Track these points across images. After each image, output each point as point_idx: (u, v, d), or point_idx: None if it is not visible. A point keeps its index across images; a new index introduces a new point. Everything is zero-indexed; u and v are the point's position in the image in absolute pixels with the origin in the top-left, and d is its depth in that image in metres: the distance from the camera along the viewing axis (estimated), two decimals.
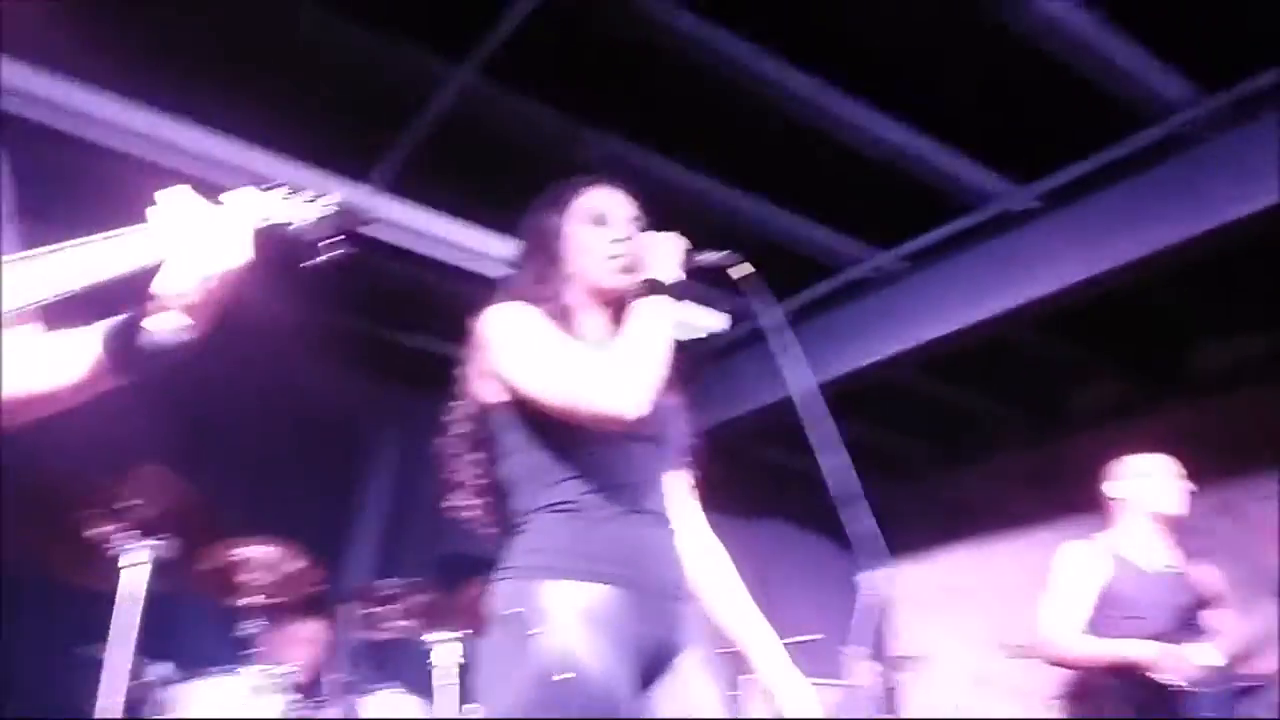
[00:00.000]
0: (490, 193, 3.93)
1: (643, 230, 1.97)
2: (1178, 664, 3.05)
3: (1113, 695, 3.15)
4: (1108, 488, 3.44)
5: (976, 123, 3.65)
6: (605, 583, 1.73)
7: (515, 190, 3.85)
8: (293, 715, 3.06)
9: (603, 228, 1.97)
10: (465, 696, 3.37)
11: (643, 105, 3.56)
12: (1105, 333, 4.69)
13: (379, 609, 3.35)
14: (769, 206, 4.09)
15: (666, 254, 1.89)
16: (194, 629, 3.42)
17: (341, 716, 3.07)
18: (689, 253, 1.91)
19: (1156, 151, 3.66)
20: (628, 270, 1.91)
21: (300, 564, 3.27)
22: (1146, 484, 3.36)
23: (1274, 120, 3.44)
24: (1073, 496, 3.68)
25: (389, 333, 4.85)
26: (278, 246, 1.71)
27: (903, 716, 4.52)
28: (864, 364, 4.66)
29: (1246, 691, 3.17)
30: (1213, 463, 3.50)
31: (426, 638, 3.36)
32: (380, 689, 3.27)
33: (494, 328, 1.85)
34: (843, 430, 6.06)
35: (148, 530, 2.89)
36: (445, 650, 3.32)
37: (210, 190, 1.78)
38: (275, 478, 4.38)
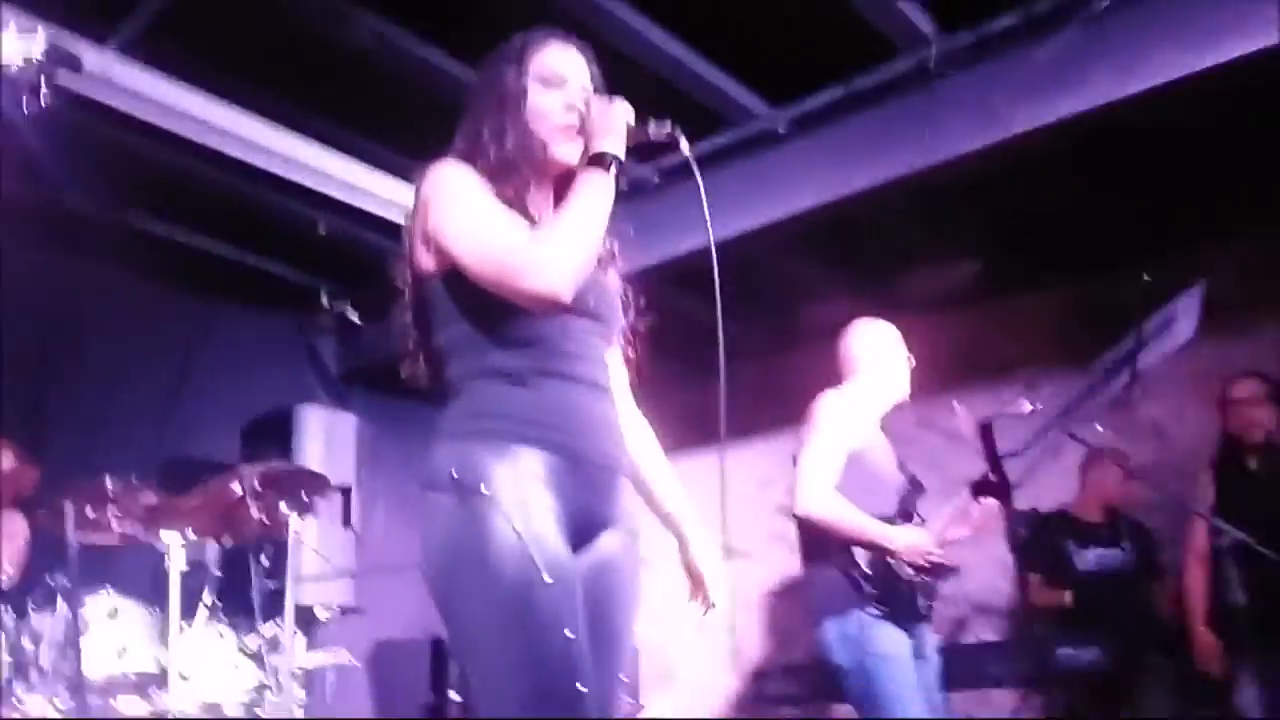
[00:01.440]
0: (241, 65, 3.73)
1: (597, 94, 1.87)
2: (915, 552, 3.18)
3: (864, 576, 3.20)
4: (851, 353, 3.52)
5: (740, 41, 3.71)
6: (546, 449, 1.73)
7: (282, 69, 3.68)
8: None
9: (557, 90, 1.87)
10: (188, 602, 3.25)
11: None
12: (836, 252, 4.94)
13: (98, 509, 3.14)
14: None
15: (615, 125, 1.80)
16: None
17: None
18: (637, 126, 1.82)
19: (900, 83, 3.86)
20: (577, 139, 1.83)
21: (11, 460, 3.03)
22: (883, 364, 3.47)
23: (1008, 61, 3.69)
24: (798, 408, 3.92)
25: (120, 215, 4.50)
26: None
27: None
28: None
29: (939, 577, 3.47)
30: (919, 379, 3.80)
31: (159, 539, 3.20)
32: (98, 592, 3.10)
33: (432, 188, 1.78)
34: None
35: None
36: (176, 553, 3.17)
37: None
38: None
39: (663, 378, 6.75)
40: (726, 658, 5.88)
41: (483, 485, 1.67)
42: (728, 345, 5.66)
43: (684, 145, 1.85)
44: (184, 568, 3.19)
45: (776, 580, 5.66)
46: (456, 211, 1.75)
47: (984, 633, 5.10)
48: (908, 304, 5.34)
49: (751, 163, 4.28)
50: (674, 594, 6.12)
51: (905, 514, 3.35)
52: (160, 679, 3.10)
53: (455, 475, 1.69)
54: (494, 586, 1.64)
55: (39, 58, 1.67)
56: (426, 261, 1.79)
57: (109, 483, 3.15)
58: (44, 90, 1.70)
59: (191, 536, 3.22)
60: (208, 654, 3.16)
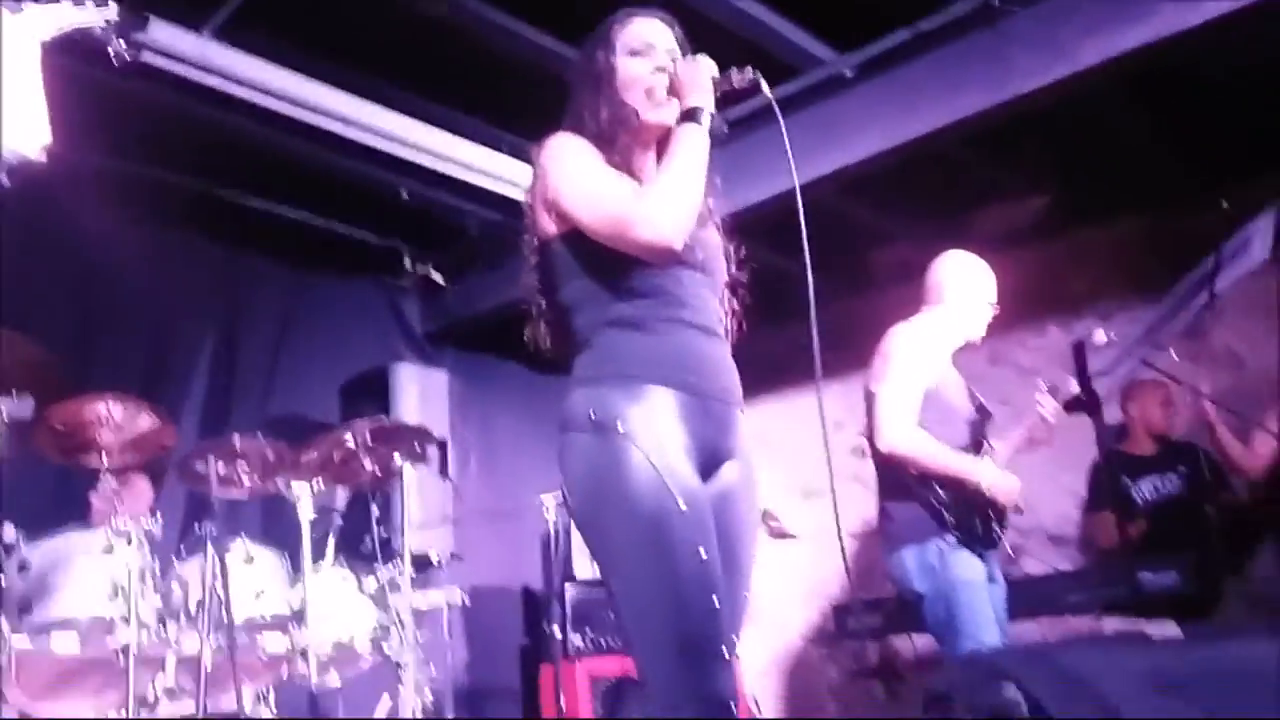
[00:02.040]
0: (335, 48, 3.91)
1: (685, 57, 2.02)
2: (1001, 487, 3.25)
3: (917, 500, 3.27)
4: (936, 284, 3.52)
5: None
6: (672, 387, 1.90)
7: (363, 44, 3.84)
8: (151, 572, 3.14)
9: (643, 58, 2.03)
10: (318, 546, 3.50)
11: None
12: (902, 195, 4.98)
13: (229, 464, 3.40)
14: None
15: (701, 81, 1.95)
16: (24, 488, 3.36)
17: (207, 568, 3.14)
18: (721, 77, 1.98)
19: (965, 23, 3.91)
20: (669, 102, 1.98)
21: (151, 420, 3.28)
22: (966, 296, 3.48)
23: None
24: (869, 352, 4.04)
25: (216, 191, 4.72)
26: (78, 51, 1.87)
27: None
28: None
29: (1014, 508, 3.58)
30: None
31: (290, 490, 3.45)
32: (234, 540, 3.35)
33: (548, 158, 1.96)
34: None
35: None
36: (306, 502, 3.42)
37: None
38: (110, 338, 4.29)
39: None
40: (806, 595, 6.07)
41: (619, 423, 1.84)
42: (799, 291, 5.80)
43: (765, 88, 1.99)
44: (312, 515, 3.43)
45: (852, 519, 5.80)
46: (571, 175, 1.93)
47: (1059, 562, 5.20)
48: (979, 242, 5.42)
49: (821, 109, 4.33)
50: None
51: (976, 444, 3.41)
52: (293, 619, 3.35)
53: (593, 416, 1.87)
54: (634, 515, 1.80)
55: (113, 21, 1.91)
56: (548, 225, 1.97)
57: (237, 440, 3.39)
58: (122, 51, 1.95)
59: (318, 486, 3.46)
60: (335, 595, 3.40)
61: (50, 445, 3.29)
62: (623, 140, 2.00)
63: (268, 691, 3.46)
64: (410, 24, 3.77)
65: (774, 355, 6.55)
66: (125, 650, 2.97)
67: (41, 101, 1.61)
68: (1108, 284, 4.99)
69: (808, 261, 2.05)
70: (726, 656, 1.79)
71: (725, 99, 2.00)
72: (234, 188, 4.80)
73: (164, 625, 3.13)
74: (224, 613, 3.11)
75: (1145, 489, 4.56)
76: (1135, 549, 4.43)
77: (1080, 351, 3.27)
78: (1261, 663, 1.54)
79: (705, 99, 1.95)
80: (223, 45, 3.83)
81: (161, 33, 3.65)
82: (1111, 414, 4.15)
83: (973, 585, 3.24)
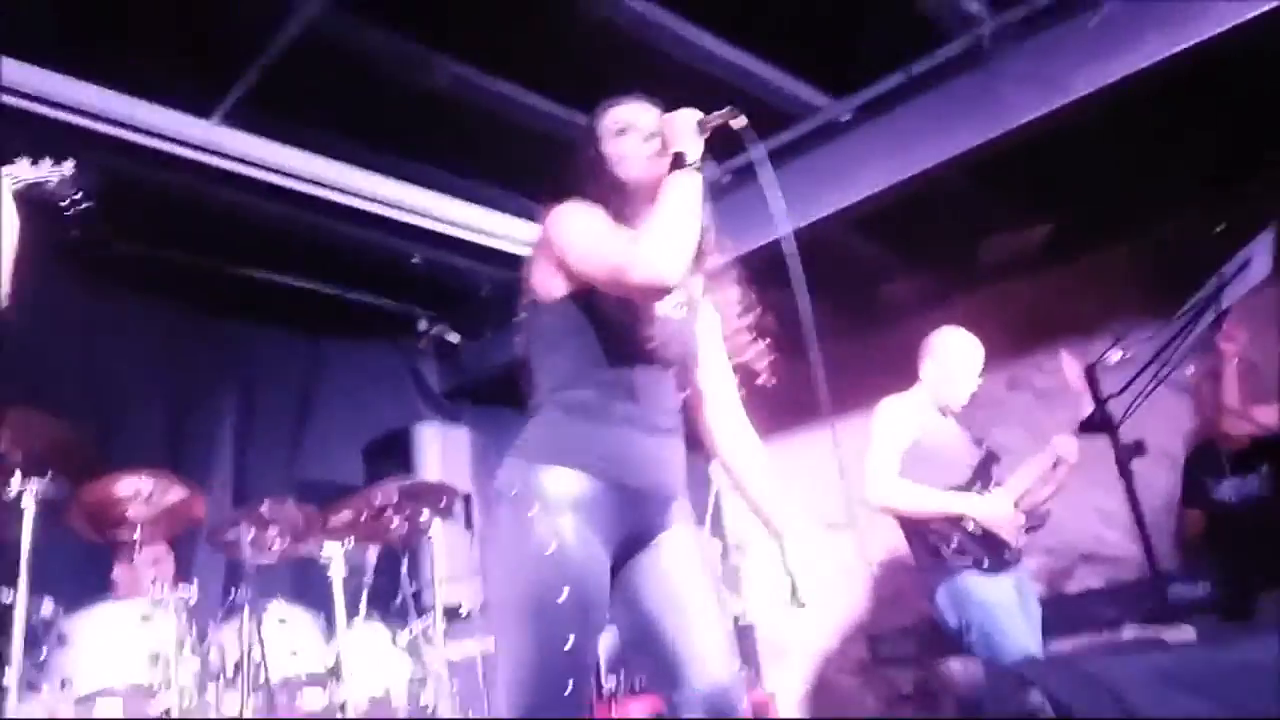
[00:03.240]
0: (340, 124, 4.01)
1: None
2: (988, 510, 3.51)
3: (943, 543, 3.54)
4: (921, 359, 3.85)
5: (796, 37, 3.87)
6: (602, 479, 1.96)
7: (367, 119, 3.94)
8: (188, 638, 3.20)
9: (630, 134, 2.14)
10: (350, 603, 3.56)
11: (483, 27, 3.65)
12: (906, 231, 5.04)
13: (260, 530, 3.46)
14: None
15: (684, 127, 2.04)
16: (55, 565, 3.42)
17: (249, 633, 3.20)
18: (702, 121, 2.05)
19: (957, 64, 4.00)
20: (659, 156, 2.07)
21: (181, 492, 3.36)
22: (945, 373, 3.79)
23: (1060, 33, 3.83)
24: (880, 384, 4.11)
25: (240, 269, 4.85)
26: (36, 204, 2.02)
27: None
28: None
29: (1032, 529, 3.70)
30: (1003, 343, 3.96)
31: (322, 551, 3.52)
32: (270, 602, 3.41)
33: (554, 218, 2.05)
34: None
35: (27, 470, 2.92)
36: (338, 561, 3.48)
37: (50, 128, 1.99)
38: (132, 417, 4.39)
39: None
40: (838, 628, 6.06)
41: (534, 505, 1.92)
42: (820, 327, 5.75)
43: (741, 120, 2.04)
44: (344, 574, 3.49)
45: (879, 548, 5.82)
46: (576, 231, 2.01)
47: (1089, 580, 5.19)
48: (984, 274, 5.50)
49: (819, 153, 4.43)
50: (779, 576, 6.27)
51: (983, 481, 3.65)
52: (330, 675, 3.40)
53: (514, 492, 1.95)
54: (519, 591, 1.90)
55: (67, 177, 2.10)
56: (544, 288, 2.07)
57: (266, 506, 3.47)
58: (76, 202, 2.12)
59: (349, 546, 3.52)
60: (370, 650, 3.45)
61: (83, 523, 3.36)
62: (628, 209, 2.07)
63: None
64: (412, 97, 3.86)
65: (793, 390, 6.64)
66: (167, 715, 3.02)
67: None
68: (1118, 306, 5.02)
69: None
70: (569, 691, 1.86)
71: (717, 144, 2.06)
72: (248, 264, 4.89)
73: (202, 690, 3.18)
74: (262, 674, 3.15)
75: (1226, 488, 4.49)
76: (1204, 549, 4.42)
77: (1093, 374, 3.36)
78: (1271, 659, 1.59)
79: (690, 143, 2.02)
80: (231, 129, 3.95)
81: (170, 120, 3.78)
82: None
83: (999, 606, 3.41)
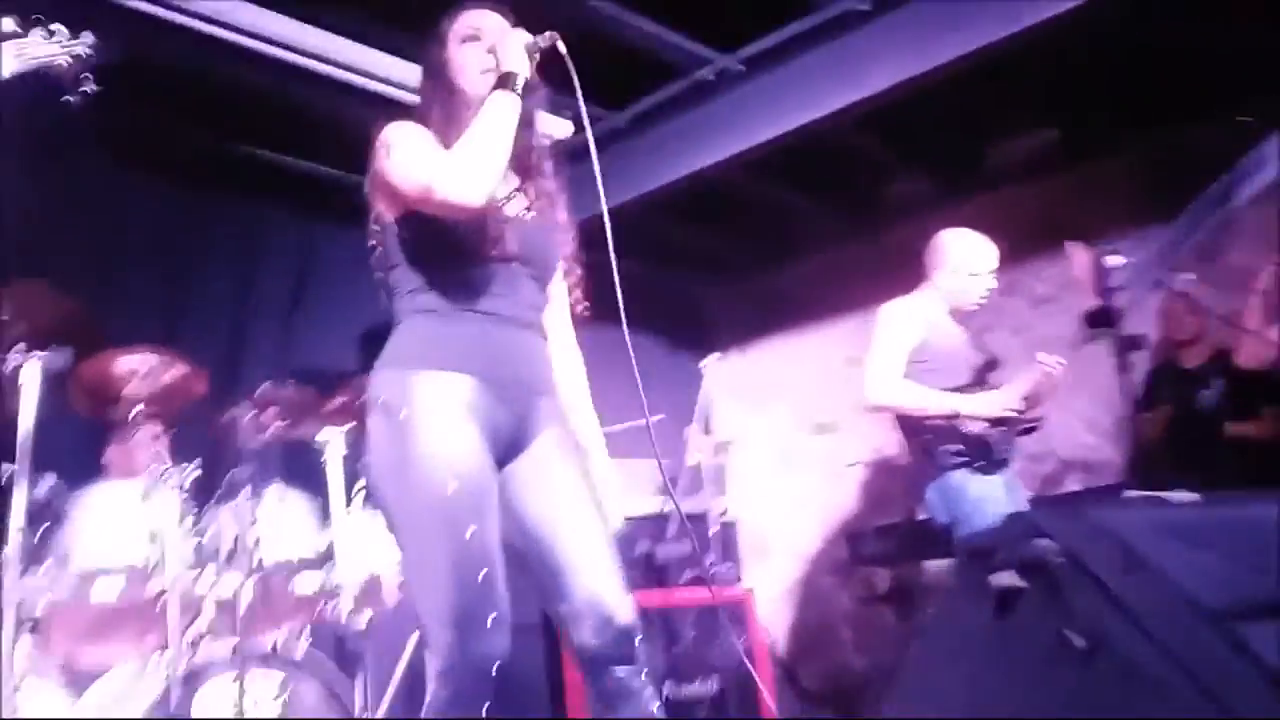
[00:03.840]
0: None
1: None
2: (988, 410, 3.55)
3: (939, 442, 3.60)
4: (927, 260, 3.86)
5: None
6: (465, 373, 2.00)
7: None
8: (187, 517, 3.21)
9: (474, 43, 2.18)
10: (347, 490, 3.57)
11: None
12: (917, 130, 4.99)
13: (260, 412, 3.46)
14: (616, 7, 4.11)
15: (512, 48, 2.09)
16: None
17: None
18: (530, 43, 2.10)
19: None
20: (494, 73, 2.10)
21: (183, 370, 3.35)
22: (955, 274, 3.80)
23: None
24: (886, 284, 4.10)
25: (241, 146, 4.78)
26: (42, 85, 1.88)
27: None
28: (696, 168, 4.89)
29: (1026, 431, 3.75)
30: (1002, 248, 3.93)
31: (318, 436, 3.53)
32: (267, 485, 3.43)
33: (380, 142, 2.07)
34: (674, 234, 6.39)
35: (33, 344, 2.89)
36: (335, 446, 3.50)
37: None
38: (131, 290, 4.37)
39: (741, 260, 6.92)
40: (822, 527, 6.17)
41: (403, 409, 1.95)
42: (814, 229, 5.85)
43: (561, 46, 2.11)
44: (340, 457, 3.50)
45: (866, 450, 5.89)
46: (395, 152, 2.04)
47: (1072, 485, 5.27)
48: (988, 179, 5.45)
49: (827, 46, 4.35)
50: (762, 475, 6.42)
51: (981, 385, 3.70)
52: (324, 559, 3.43)
53: (382, 399, 2.00)
54: (410, 495, 1.93)
55: (85, 54, 1.94)
56: (381, 207, 2.10)
57: (267, 388, 3.45)
58: (87, 86, 1.96)
59: (346, 431, 3.52)
60: (364, 536, 3.47)
61: (81, 399, 3.34)
62: (459, 121, 2.10)
63: (301, 631, 3.53)
64: None
65: (779, 293, 6.67)
66: (163, 594, 3.03)
67: None
68: (1119, 212, 4.98)
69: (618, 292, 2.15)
70: (493, 621, 1.88)
71: (545, 66, 2.13)
72: (249, 142, 4.81)
73: (200, 570, 3.20)
74: (257, 555, 3.18)
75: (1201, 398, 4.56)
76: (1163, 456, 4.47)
77: (1099, 266, 3.37)
78: (1267, 519, 1.66)
79: (517, 63, 2.07)
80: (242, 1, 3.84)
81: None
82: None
83: (991, 501, 3.47)
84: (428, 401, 1.96)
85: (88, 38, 1.85)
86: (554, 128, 4.84)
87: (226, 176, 4.81)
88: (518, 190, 2.22)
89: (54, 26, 1.81)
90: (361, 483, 3.64)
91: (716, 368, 5.19)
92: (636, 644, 2.02)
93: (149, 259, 4.58)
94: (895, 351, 3.68)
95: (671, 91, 4.77)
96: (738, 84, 4.62)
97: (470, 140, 2.00)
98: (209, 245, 4.85)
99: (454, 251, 2.05)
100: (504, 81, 2.05)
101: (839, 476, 6.12)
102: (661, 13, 4.20)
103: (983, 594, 1.82)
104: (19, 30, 1.75)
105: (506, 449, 2.06)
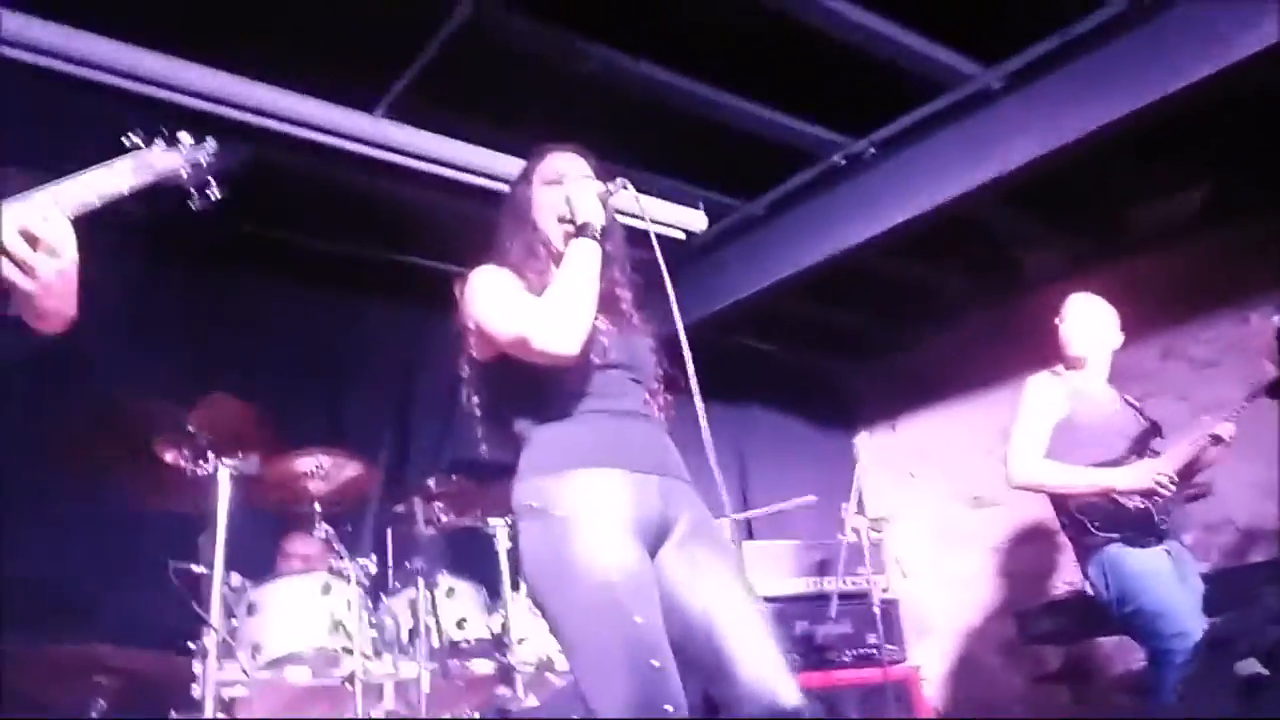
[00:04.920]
0: (497, 114, 4.11)
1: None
2: (1138, 482, 3.47)
3: (1091, 517, 3.53)
4: (1061, 330, 3.85)
5: (944, 3, 3.77)
6: (611, 467, 2.04)
7: (520, 108, 4.04)
8: (366, 607, 3.38)
9: (557, 187, 2.26)
10: (514, 575, 3.70)
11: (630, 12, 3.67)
12: (1054, 198, 4.92)
13: (428, 504, 3.64)
14: (747, 102, 4.21)
15: (586, 198, 2.18)
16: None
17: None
18: (603, 191, 2.21)
19: (1114, 25, 3.85)
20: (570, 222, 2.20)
21: (356, 468, 3.56)
22: (1079, 339, 3.80)
23: None
24: (1029, 354, 4.05)
25: (401, 255, 5.01)
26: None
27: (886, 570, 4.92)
28: (831, 252, 4.89)
29: (1193, 499, 3.65)
30: (1156, 313, 3.86)
31: (487, 524, 3.69)
32: (438, 574, 3.57)
33: (468, 289, 2.17)
34: (814, 314, 6.38)
35: (222, 451, 3.14)
36: (502, 533, 3.66)
37: (212, 124, 1.97)
38: (304, 398, 4.65)
39: (884, 337, 6.88)
40: (981, 603, 6.01)
41: (558, 509, 1.98)
42: (955, 303, 5.81)
43: (629, 188, 2.22)
44: (508, 545, 3.64)
45: (1027, 524, 5.74)
46: (484, 301, 2.13)
47: (1254, 556, 5.02)
48: (1137, 241, 5.34)
49: (969, 123, 4.34)
50: (920, 551, 6.32)
51: (1139, 453, 3.63)
52: (495, 642, 3.54)
53: (534, 505, 2.03)
54: (575, 592, 1.94)
55: (208, 160, 1.88)
56: (480, 349, 2.17)
57: (434, 481, 3.66)
58: (211, 192, 1.95)
59: (510, 519, 3.66)
60: (532, 619, 3.58)
61: (268, 498, 3.58)
62: (543, 263, 2.20)
63: (473, 713, 3.65)
64: (564, 84, 3.91)
65: (927, 368, 6.61)
66: (351, 678, 3.19)
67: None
68: (1270, 275, 4.81)
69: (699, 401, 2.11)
70: (673, 709, 1.85)
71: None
72: (398, 249, 5.01)
73: (380, 655, 3.36)
74: (435, 640, 3.33)
75: None
76: None
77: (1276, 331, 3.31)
78: None
79: (592, 213, 2.16)
80: (388, 120, 4.05)
81: (319, 110, 3.89)
82: None
83: (1150, 574, 3.40)
84: (581, 499, 1.99)
85: (210, 145, 1.87)
86: (689, 218, 5.03)
87: (386, 285, 5.05)
88: (603, 317, 2.25)
89: (178, 135, 1.85)
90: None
91: (869, 444, 5.17)
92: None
93: (309, 364, 4.85)
94: (1036, 427, 3.66)
95: (805, 178, 4.85)
96: (870, 167, 4.68)
97: (560, 291, 2.08)
98: (367, 349, 5.08)
99: (561, 371, 2.10)
100: (580, 231, 2.15)
101: (1000, 551, 5.97)
102: (790, 102, 4.30)
103: (1226, 683, 1.75)
104: (140, 144, 1.78)
105: (656, 538, 2.07)
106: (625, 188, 2.22)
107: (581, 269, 2.10)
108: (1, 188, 1.58)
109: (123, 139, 1.79)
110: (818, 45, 3.79)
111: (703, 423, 2.06)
